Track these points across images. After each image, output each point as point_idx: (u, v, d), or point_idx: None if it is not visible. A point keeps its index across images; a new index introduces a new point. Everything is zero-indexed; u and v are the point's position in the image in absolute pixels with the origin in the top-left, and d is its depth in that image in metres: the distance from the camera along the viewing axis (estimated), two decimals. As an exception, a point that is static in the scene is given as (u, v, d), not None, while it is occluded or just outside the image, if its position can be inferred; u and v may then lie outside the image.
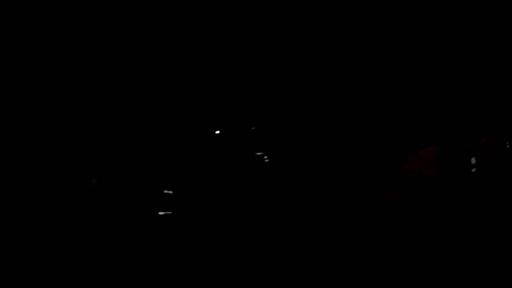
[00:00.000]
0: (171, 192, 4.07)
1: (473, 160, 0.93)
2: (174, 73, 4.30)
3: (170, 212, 4.08)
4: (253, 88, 4.26)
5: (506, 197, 0.87)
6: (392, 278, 0.92)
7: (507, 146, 0.95)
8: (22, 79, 4.05)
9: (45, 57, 4.11)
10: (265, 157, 3.27)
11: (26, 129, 4.01)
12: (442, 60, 3.67)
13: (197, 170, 4.24)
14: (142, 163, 4.23)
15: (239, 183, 3.38)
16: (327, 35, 4.11)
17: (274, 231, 3.35)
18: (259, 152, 3.27)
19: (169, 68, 4.29)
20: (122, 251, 3.67)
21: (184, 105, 4.32)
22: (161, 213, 4.06)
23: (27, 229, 3.60)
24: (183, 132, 4.30)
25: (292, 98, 4.25)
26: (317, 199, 4.06)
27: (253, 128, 3.33)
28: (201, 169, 4.22)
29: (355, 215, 3.87)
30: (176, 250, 3.90)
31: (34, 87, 4.09)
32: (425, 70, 3.78)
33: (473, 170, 0.93)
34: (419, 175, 0.92)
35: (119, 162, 4.17)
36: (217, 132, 4.02)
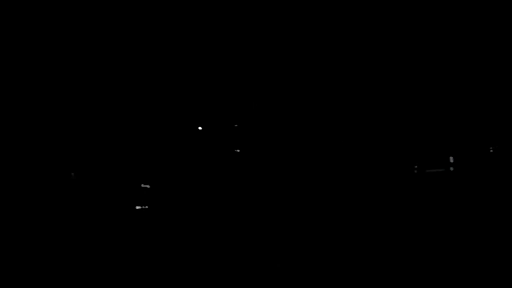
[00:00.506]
0: (148, 186, 4.01)
1: (451, 159, 0.87)
2: (164, 71, 4.23)
3: (149, 207, 4.02)
4: (251, 88, 4.21)
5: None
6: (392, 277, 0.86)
7: (491, 151, 0.90)
8: (8, 79, 3.96)
9: (32, 57, 4.01)
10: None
11: (8, 125, 3.92)
12: (441, 64, 3.64)
13: (188, 167, 4.19)
14: (126, 159, 4.16)
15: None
16: (326, 35, 4.07)
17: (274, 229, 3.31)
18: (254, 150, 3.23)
19: (159, 66, 4.21)
20: (102, 247, 3.61)
21: (174, 102, 4.25)
22: (140, 207, 4.00)
23: (8, 224, 3.54)
24: (171, 129, 4.24)
25: (291, 98, 4.21)
26: (316, 199, 4.03)
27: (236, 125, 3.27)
28: (192, 166, 4.17)
29: (355, 215, 3.84)
30: (166, 248, 3.85)
31: (18, 86, 4.00)
32: (423, 73, 3.75)
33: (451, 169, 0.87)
34: None
35: (102, 158, 4.09)
36: (211, 128, 3.96)
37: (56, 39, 4.03)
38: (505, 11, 2.90)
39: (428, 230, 3.72)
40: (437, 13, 3.68)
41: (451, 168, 3.77)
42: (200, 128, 3.93)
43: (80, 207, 3.83)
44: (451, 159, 3.80)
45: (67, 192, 3.84)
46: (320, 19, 4.04)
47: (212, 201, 3.86)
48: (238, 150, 3.15)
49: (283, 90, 4.20)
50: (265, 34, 4.16)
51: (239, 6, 4.07)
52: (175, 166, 4.12)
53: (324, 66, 4.16)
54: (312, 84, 4.18)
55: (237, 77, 4.22)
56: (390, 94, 3.96)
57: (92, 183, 3.94)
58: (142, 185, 3.98)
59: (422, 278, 3.26)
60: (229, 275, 3.27)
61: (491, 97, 3.68)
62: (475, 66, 3.73)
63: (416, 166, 3.84)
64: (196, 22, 4.15)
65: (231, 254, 3.49)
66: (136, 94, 4.24)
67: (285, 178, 3.94)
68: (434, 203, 3.81)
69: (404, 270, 3.35)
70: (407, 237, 3.69)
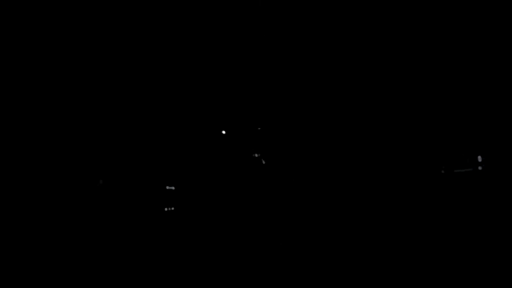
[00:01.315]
0: (173, 188, 4.07)
1: (479, 158, 0.88)
2: (177, 75, 4.29)
3: (173, 210, 4.08)
4: (256, 90, 4.22)
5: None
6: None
7: None
8: (25, 81, 4.08)
9: (47, 59, 4.13)
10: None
11: (34, 131, 4.06)
12: (441, 64, 3.57)
13: (200, 169, 4.23)
14: (146, 163, 4.24)
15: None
16: (327, 36, 4.05)
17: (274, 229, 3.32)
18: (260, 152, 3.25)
19: (172, 70, 4.28)
20: (125, 249, 3.69)
21: (187, 106, 4.31)
22: (164, 210, 4.06)
23: (33, 228, 3.66)
24: (185, 132, 4.30)
25: (294, 99, 4.21)
26: (317, 199, 4.01)
27: (259, 129, 3.30)
28: (203, 168, 4.21)
29: (355, 215, 3.79)
30: (178, 249, 3.90)
31: (39, 90, 4.13)
32: (423, 73, 3.69)
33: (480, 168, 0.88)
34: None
35: (124, 162, 4.19)
36: (223, 132, 3.99)
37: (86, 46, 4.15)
38: (506, 11, 2.83)
39: (458, 231, 3.63)
40: (449, 13, 3.60)
41: (480, 168, 3.67)
42: (223, 132, 3.97)
43: (105, 209, 3.93)
44: (479, 159, 3.70)
45: (95, 197, 3.95)
46: (321, 25, 4.02)
47: (231, 203, 3.88)
48: (257, 155, 3.19)
49: (306, 94, 4.20)
50: (267, 42, 4.17)
51: (258, 14, 4.10)
52: (196, 168, 4.18)
53: (348, 69, 4.14)
54: (339, 88, 4.16)
55: (239, 85, 4.24)
56: (416, 95, 3.91)
57: (118, 187, 4.04)
58: (167, 187, 4.06)
59: (449, 278, 3.19)
60: (243, 275, 3.29)
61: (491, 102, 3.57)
62: (502, 66, 3.63)
63: (443, 166, 3.76)
64: (212, 28, 4.20)
65: (247, 253, 3.51)
66: (159, 100, 4.32)
67: (309, 179, 3.93)
68: (463, 204, 3.72)
69: (430, 270, 3.28)
70: (436, 237, 3.62)
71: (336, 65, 4.13)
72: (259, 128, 3.30)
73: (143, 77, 4.30)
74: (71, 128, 4.14)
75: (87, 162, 4.05)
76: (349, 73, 4.11)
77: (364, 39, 4.00)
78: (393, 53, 3.95)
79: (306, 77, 4.17)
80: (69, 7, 3.92)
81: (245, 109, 4.13)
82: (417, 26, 3.80)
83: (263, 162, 3.28)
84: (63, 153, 4.04)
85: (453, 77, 3.72)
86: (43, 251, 3.61)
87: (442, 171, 3.72)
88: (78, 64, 4.20)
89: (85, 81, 4.22)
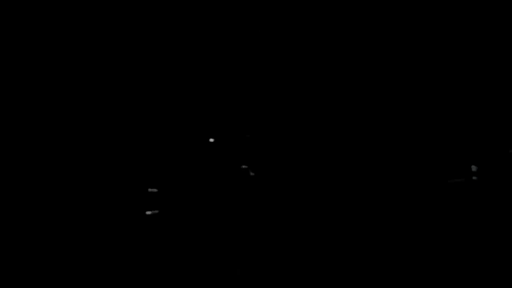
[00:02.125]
0: (156, 191, 4.02)
1: (473, 168, 0.81)
2: (171, 78, 4.26)
3: (165, 212, 4.02)
4: (251, 93, 4.20)
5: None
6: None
7: (510, 152, 0.83)
8: (22, 80, 4.05)
9: (44, 58, 4.10)
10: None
11: (28, 131, 4.01)
12: (443, 63, 3.55)
13: (194, 174, 4.19)
14: (141, 166, 4.19)
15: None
16: (325, 38, 4.04)
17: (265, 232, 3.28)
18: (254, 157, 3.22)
19: (167, 72, 4.26)
20: (121, 251, 3.63)
21: (181, 109, 4.27)
22: (154, 212, 4.01)
23: (28, 229, 3.61)
24: (180, 136, 4.25)
25: (290, 102, 4.18)
26: (316, 200, 3.97)
27: (248, 136, 3.25)
28: (198, 173, 4.17)
29: (355, 215, 3.74)
30: (174, 250, 3.85)
31: (34, 89, 4.09)
32: (425, 73, 3.69)
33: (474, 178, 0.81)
34: None
35: (117, 164, 4.13)
36: (212, 139, 3.95)
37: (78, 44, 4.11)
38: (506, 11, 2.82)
39: (453, 245, 3.58)
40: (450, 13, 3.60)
41: (474, 178, 3.63)
42: (211, 140, 3.91)
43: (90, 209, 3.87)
44: (474, 168, 3.66)
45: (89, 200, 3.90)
46: (319, 27, 4.01)
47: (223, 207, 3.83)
48: (245, 166, 3.13)
49: (297, 100, 4.17)
50: (264, 44, 4.16)
51: (256, 21, 4.08)
52: (184, 173, 4.12)
53: (345, 75, 4.12)
54: (333, 93, 4.14)
55: (235, 89, 4.21)
56: (409, 101, 3.89)
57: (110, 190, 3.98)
58: (150, 189, 3.99)
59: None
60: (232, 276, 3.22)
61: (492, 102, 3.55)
62: (499, 72, 3.62)
63: (436, 177, 3.72)
64: (208, 32, 4.18)
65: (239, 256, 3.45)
66: (143, 107, 4.28)
67: (301, 185, 3.88)
68: (456, 216, 3.67)
69: (423, 280, 3.22)
70: (430, 253, 3.56)
71: (327, 75, 4.11)
72: (248, 135, 3.24)
73: (130, 80, 4.26)
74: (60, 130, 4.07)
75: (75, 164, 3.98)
76: (342, 84, 4.08)
77: (354, 53, 3.98)
78: (385, 63, 3.93)
79: (300, 80, 4.14)
80: (69, 7, 3.89)
81: (233, 113, 4.08)
82: (407, 40, 3.79)
83: (252, 173, 3.23)
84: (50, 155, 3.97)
85: (447, 85, 3.70)
86: (38, 253, 3.55)
87: (436, 182, 3.67)
88: (63, 69, 4.16)
89: (69, 86, 4.17)
